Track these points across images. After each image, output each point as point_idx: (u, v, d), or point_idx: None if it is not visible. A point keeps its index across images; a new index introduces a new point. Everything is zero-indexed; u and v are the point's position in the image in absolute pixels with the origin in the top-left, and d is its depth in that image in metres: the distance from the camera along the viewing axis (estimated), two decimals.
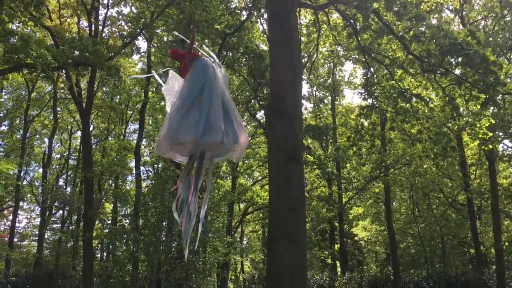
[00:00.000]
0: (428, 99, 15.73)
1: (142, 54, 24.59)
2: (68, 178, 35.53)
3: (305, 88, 32.66)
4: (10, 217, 30.86)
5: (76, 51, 15.89)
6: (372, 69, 17.07)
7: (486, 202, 27.64)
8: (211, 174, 4.28)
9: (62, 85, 27.18)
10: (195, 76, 4.16)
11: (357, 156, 24.54)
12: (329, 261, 32.14)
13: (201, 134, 3.76)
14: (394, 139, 23.52)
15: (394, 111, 16.20)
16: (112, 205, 32.90)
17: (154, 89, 25.88)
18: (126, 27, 21.78)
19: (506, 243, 27.95)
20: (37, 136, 34.77)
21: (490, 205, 25.13)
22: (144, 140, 30.17)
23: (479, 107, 13.44)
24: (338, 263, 31.31)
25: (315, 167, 26.28)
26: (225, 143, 3.85)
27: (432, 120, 15.48)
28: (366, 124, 19.86)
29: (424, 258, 31.19)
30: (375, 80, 16.88)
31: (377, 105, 17.18)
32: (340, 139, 29.00)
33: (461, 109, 14.48)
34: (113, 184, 33.57)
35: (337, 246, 30.76)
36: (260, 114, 26.42)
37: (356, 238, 34.40)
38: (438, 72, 13.66)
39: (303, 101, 26.90)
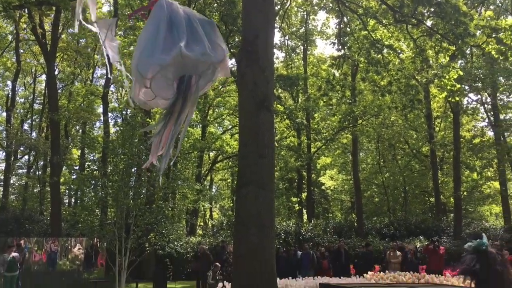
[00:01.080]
0: (399, 51, 15.82)
1: None
2: (34, 123, 34.63)
3: (277, 37, 32.31)
4: None
5: None
6: (345, 19, 16.92)
7: (449, 154, 28.63)
8: (194, 104, 3.96)
9: (25, 26, 25.97)
10: (153, 12, 3.81)
11: (328, 106, 24.80)
12: (296, 208, 33.02)
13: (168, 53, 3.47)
14: (363, 90, 23.76)
15: (366, 61, 16.26)
16: (79, 151, 32.50)
17: (122, 33, 25.01)
18: None
19: (465, 193, 29.28)
20: None
21: (452, 156, 26.03)
22: (112, 86, 29.47)
23: (448, 59, 13.64)
24: (304, 211, 32.23)
25: (285, 117, 26.40)
26: (191, 56, 3.50)
27: (402, 72, 15.64)
28: (337, 74, 19.93)
29: (387, 206, 32.45)
30: (348, 30, 16.77)
31: (349, 56, 17.19)
32: (311, 89, 29.06)
33: (430, 62, 14.67)
34: (80, 130, 32.99)
35: (304, 195, 31.53)
36: (231, 62, 26.07)
37: (323, 187, 35.33)
38: (410, 23, 13.67)
39: (275, 50, 26.62)
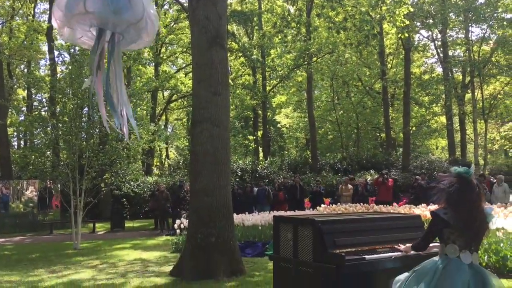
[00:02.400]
0: None
1: None
2: None
3: None
4: None
5: None
6: None
7: (399, 90, 29.37)
8: (119, 64, 3.70)
9: None
10: None
11: (283, 44, 24.52)
12: (252, 146, 33.42)
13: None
14: (318, 27, 23.55)
15: None
16: (26, 91, 31.05)
17: None
18: None
19: (413, 128, 30.45)
20: None
21: (402, 92, 26.73)
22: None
23: None
24: (260, 149, 32.69)
25: (240, 54, 26.01)
26: (94, 12, 3.22)
27: (357, 8, 15.54)
28: (292, 10, 19.55)
29: (340, 143, 33.39)
30: None
31: None
32: (265, 26, 28.55)
33: None
34: (25, 69, 31.33)
35: (260, 133, 31.84)
36: None
37: (278, 125, 35.75)
38: None
39: None
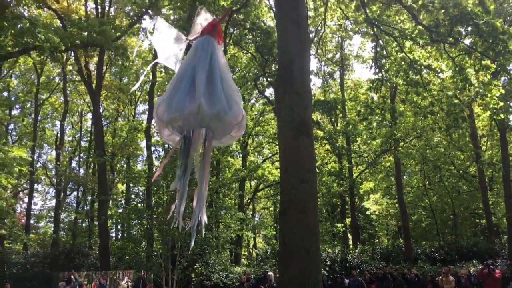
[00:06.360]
0: (438, 70, 15.57)
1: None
2: (81, 159, 35.92)
3: (314, 64, 32.41)
4: (26, 199, 31.43)
5: (83, 32, 15.87)
6: (381, 42, 16.85)
7: (498, 173, 27.53)
8: (208, 160, 3.74)
9: (71, 68, 27.34)
10: (191, 50, 3.56)
11: (368, 130, 24.52)
12: (341, 231, 32.38)
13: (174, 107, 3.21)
14: (404, 112, 23.40)
15: (405, 83, 16.06)
16: (125, 185, 33.35)
17: (163, 69, 25.88)
18: (131, 7, 21.73)
19: None
20: (48, 119, 35.06)
21: (501, 176, 25.03)
22: (153, 120, 30.17)
23: (489, 77, 13.29)
24: (350, 237, 31.56)
25: (325, 142, 26.31)
26: (207, 112, 3.17)
27: (443, 91, 15.35)
28: (376, 98, 19.75)
29: (436, 230, 31.31)
30: (385, 53, 16.70)
31: (386, 78, 17.04)
32: (349, 113, 28.91)
33: (472, 79, 14.30)
34: (125, 165, 33.90)
35: (348, 220, 30.96)
36: (268, 91, 26.37)
37: (367, 212, 34.57)
38: (448, 42, 13.50)
39: (312, 77, 26.77)
